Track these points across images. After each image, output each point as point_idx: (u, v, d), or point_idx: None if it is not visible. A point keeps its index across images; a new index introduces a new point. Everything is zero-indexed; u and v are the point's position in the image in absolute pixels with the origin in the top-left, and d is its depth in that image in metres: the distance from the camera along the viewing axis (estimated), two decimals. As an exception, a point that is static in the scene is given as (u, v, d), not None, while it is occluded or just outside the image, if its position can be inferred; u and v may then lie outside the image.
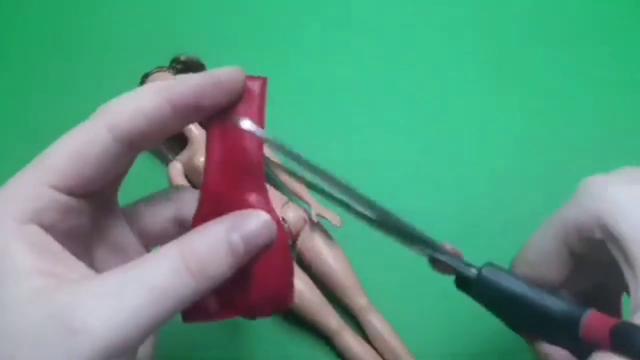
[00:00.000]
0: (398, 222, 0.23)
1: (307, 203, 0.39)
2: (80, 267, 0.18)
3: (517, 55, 0.51)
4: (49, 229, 0.18)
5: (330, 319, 0.36)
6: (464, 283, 0.25)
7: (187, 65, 0.42)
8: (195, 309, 0.20)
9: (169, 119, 0.19)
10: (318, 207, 0.38)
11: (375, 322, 0.36)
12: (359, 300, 0.37)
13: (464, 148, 0.46)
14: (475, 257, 0.27)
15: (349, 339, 0.36)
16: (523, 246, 0.26)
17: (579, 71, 0.50)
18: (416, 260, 0.41)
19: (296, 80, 0.50)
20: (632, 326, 0.20)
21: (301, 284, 0.36)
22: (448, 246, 0.25)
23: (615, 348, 0.20)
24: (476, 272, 0.24)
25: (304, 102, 0.48)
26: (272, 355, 0.37)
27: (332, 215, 0.38)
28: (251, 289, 0.21)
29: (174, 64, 0.42)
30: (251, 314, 0.23)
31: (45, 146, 0.20)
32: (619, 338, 0.20)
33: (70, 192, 0.19)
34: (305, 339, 0.37)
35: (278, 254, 0.21)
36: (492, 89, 0.49)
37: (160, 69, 0.42)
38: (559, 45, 0.52)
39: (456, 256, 0.25)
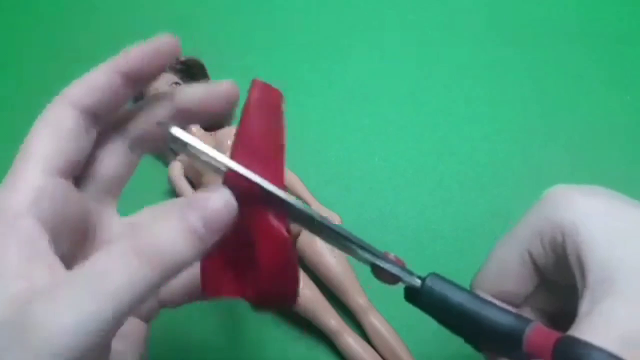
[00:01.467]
0: (337, 230, 0.22)
1: (306, 202, 0.39)
2: (58, 269, 0.18)
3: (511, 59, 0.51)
4: (45, 220, 0.18)
5: (330, 318, 0.36)
6: (413, 295, 0.24)
7: (187, 65, 0.42)
8: (211, 283, 0.21)
9: (121, 87, 0.21)
10: (318, 206, 0.38)
11: (375, 321, 0.36)
12: (358, 300, 0.37)
13: (460, 150, 0.46)
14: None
15: (349, 339, 0.36)
16: (484, 264, 0.25)
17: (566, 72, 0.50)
18: (416, 260, 0.41)
19: (296, 80, 0.50)
20: (574, 340, 0.19)
21: (301, 283, 0.36)
22: (391, 255, 0.24)
23: None
24: (420, 281, 0.23)
25: (304, 102, 0.48)
26: (272, 355, 0.37)
27: (331, 215, 0.38)
28: (259, 279, 0.21)
29: (173, 64, 0.42)
30: (257, 302, 0.22)
31: None
32: (561, 353, 0.20)
33: (60, 172, 0.19)
34: (305, 339, 0.37)
35: (284, 249, 0.21)
36: (490, 96, 0.49)
37: (160, 68, 0.42)
38: (559, 47, 0.52)
39: (399, 265, 0.24)
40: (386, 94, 0.49)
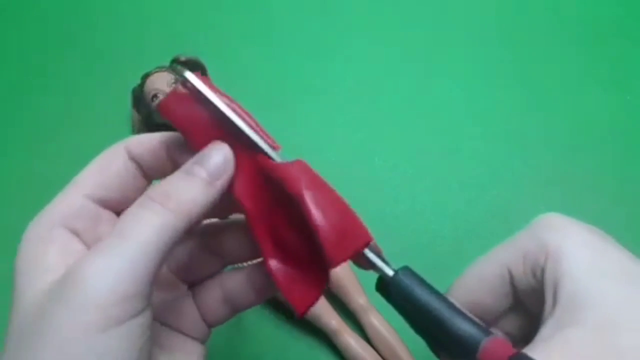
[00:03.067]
0: None
1: None
2: None
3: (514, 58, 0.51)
4: (81, 234, 0.21)
5: (330, 318, 0.36)
6: (383, 286, 0.24)
7: (187, 66, 0.42)
8: (299, 301, 0.22)
9: (166, 159, 0.23)
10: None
11: (375, 321, 0.36)
12: (359, 300, 0.37)
13: (461, 147, 0.46)
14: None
15: (349, 339, 0.36)
16: (463, 273, 0.26)
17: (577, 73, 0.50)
18: (416, 260, 0.41)
19: (296, 79, 0.50)
20: (528, 358, 0.19)
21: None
22: (372, 242, 0.24)
23: None
24: (392, 273, 0.23)
25: (304, 102, 0.48)
26: (273, 355, 0.37)
27: None
28: (318, 239, 0.21)
29: (173, 65, 0.42)
30: (333, 262, 0.21)
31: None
32: None
33: (98, 200, 0.22)
34: (305, 339, 0.37)
35: (307, 170, 0.21)
36: (489, 91, 0.49)
37: (160, 69, 0.42)
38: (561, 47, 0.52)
39: (377, 253, 0.23)
40: (386, 94, 0.49)
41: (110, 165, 0.22)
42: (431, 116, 0.48)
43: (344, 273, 0.37)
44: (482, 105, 0.48)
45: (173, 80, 0.41)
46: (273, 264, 0.22)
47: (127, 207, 0.21)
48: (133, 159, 0.22)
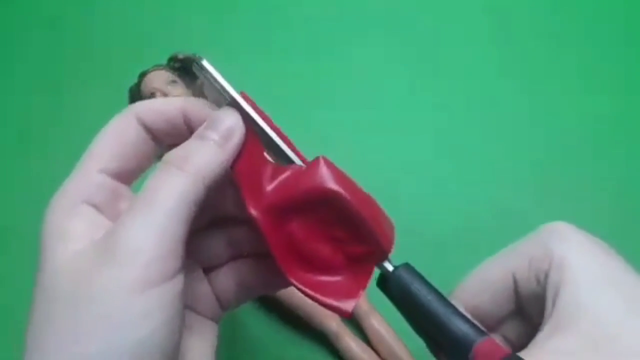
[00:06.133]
0: None
1: None
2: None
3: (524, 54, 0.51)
4: (101, 209, 0.22)
5: (331, 321, 0.36)
6: (383, 282, 0.24)
7: (185, 64, 0.42)
8: (338, 304, 0.21)
9: (180, 123, 0.23)
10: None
11: (376, 324, 0.36)
12: (359, 302, 0.36)
13: (469, 148, 0.46)
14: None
15: (349, 341, 0.36)
16: (466, 278, 0.26)
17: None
18: (417, 261, 0.40)
19: (296, 79, 0.49)
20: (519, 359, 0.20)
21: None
22: None
23: None
24: (392, 269, 0.23)
25: (304, 102, 0.48)
26: (273, 356, 0.37)
27: None
28: (368, 231, 0.21)
29: (171, 62, 0.42)
30: (387, 249, 0.22)
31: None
32: None
33: (115, 174, 0.22)
34: (305, 342, 0.37)
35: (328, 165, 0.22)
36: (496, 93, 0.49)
37: (157, 67, 0.42)
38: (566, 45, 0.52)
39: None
40: (387, 94, 0.49)
41: (123, 136, 0.23)
42: (432, 116, 0.48)
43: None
44: (483, 106, 0.48)
45: (170, 79, 0.41)
46: (299, 279, 0.22)
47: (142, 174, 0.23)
48: (145, 126, 0.23)
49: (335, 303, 0.22)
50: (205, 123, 0.22)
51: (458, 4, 0.54)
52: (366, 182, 0.43)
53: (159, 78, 0.40)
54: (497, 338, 0.25)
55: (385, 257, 0.22)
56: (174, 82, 0.40)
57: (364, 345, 0.36)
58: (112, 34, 0.52)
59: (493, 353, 0.21)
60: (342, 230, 0.21)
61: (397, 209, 0.42)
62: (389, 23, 0.53)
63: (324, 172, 0.21)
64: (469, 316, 0.23)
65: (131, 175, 0.23)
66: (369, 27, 0.53)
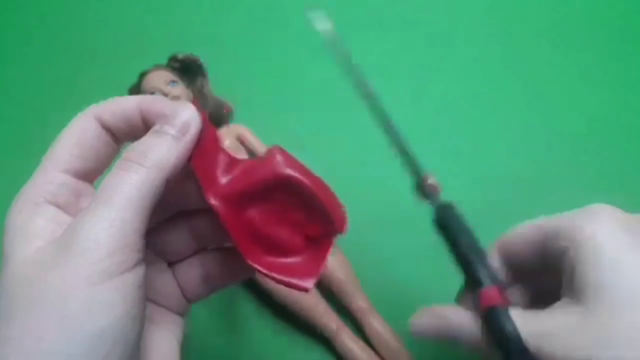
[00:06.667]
0: (402, 140, 0.29)
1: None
2: None
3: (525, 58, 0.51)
4: (64, 207, 0.22)
5: (330, 320, 0.36)
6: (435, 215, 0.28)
7: (185, 64, 0.42)
8: (300, 281, 0.23)
9: (139, 121, 0.24)
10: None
11: (375, 324, 0.36)
12: (359, 302, 0.36)
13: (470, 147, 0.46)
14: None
15: (349, 341, 0.36)
16: (508, 231, 0.29)
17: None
18: (417, 261, 0.40)
19: (296, 79, 0.49)
20: (504, 313, 0.23)
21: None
22: (431, 178, 0.30)
23: (483, 323, 0.24)
24: (438, 204, 0.28)
25: (305, 102, 0.48)
26: (272, 357, 0.37)
27: None
28: (326, 211, 0.23)
29: (171, 62, 0.42)
30: (342, 228, 0.23)
31: (50, 139, 0.24)
32: (489, 314, 0.24)
33: (77, 174, 0.23)
34: (305, 341, 0.37)
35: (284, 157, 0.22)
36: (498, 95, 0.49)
37: (158, 66, 0.42)
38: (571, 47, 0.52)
39: (434, 189, 0.29)
40: (386, 94, 0.49)
41: (83, 137, 0.23)
42: (432, 116, 0.48)
43: (345, 275, 0.37)
44: (484, 105, 0.48)
45: (170, 79, 0.41)
46: (260, 262, 0.23)
47: (103, 173, 0.23)
48: (104, 125, 0.23)
49: (295, 281, 0.23)
50: (162, 118, 0.23)
51: (459, 4, 0.54)
52: (366, 182, 0.43)
53: (159, 78, 0.40)
54: (519, 291, 0.28)
55: (339, 234, 0.24)
56: (174, 82, 0.41)
57: (364, 345, 0.36)
58: (112, 34, 0.52)
59: (492, 299, 0.24)
60: (299, 213, 0.23)
61: (397, 208, 0.42)
62: (390, 23, 0.53)
63: (279, 159, 0.22)
64: (494, 265, 0.27)
65: (93, 173, 0.24)
66: (369, 27, 0.53)
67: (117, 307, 0.19)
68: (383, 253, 0.41)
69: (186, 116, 0.22)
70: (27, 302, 0.19)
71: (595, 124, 0.47)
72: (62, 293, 0.19)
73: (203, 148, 0.22)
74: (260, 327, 0.38)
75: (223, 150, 0.23)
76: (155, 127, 0.22)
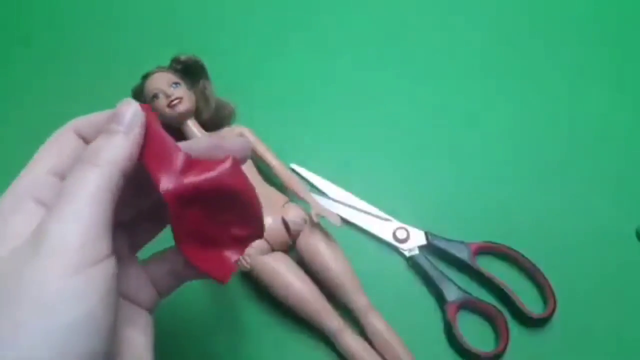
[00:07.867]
0: None
1: (307, 203, 0.39)
2: None
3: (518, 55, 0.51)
4: (45, 203, 0.23)
5: (330, 319, 0.36)
6: None
7: (187, 65, 0.42)
8: (219, 273, 0.26)
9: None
10: (318, 207, 0.38)
11: (375, 322, 0.36)
12: (359, 300, 0.37)
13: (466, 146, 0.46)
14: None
15: (349, 339, 0.36)
16: None
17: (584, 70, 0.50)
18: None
19: (297, 79, 0.50)
20: None
21: (301, 283, 0.36)
22: None
23: None
24: None
25: (305, 102, 0.48)
26: (272, 356, 0.37)
27: (332, 215, 0.38)
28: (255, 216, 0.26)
29: (173, 64, 0.42)
30: (259, 234, 0.27)
31: (42, 144, 0.26)
32: None
33: (58, 176, 0.24)
34: (305, 340, 0.37)
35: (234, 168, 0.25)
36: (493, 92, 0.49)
37: (160, 68, 0.42)
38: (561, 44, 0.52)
39: None
40: (388, 93, 0.49)
41: (62, 149, 0.25)
42: (433, 116, 0.48)
43: (344, 273, 0.37)
44: (485, 105, 0.48)
45: (173, 81, 0.41)
46: (189, 252, 0.25)
47: None
48: (82, 137, 0.25)
49: (215, 272, 0.26)
50: (110, 118, 0.24)
51: (457, 4, 0.54)
52: (366, 182, 0.43)
53: (162, 80, 0.41)
54: None
55: (259, 238, 0.27)
56: (176, 83, 0.41)
57: (365, 344, 0.36)
58: (114, 36, 0.52)
59: None
60: (232, 215, 0.25)
61: (397, 208, 0.43)
62: (391, 24, 0.53)
63: (226, 167, 0.24)
64: None
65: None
66: (370, 27, 0.53)
67: (90, 298, 0.20)
68: (382, 250, 0.41)
69: (131, 112, 0.24)
70: (3, 295, 0.20)
71: (595, 123, 0.47)
72: (36, 285, 0.20)
73: (154, 143, 0.24)
74: (261, 327, 0.38)
75: (179, 148, 0.25)
76: (105, 127, 0.24)
